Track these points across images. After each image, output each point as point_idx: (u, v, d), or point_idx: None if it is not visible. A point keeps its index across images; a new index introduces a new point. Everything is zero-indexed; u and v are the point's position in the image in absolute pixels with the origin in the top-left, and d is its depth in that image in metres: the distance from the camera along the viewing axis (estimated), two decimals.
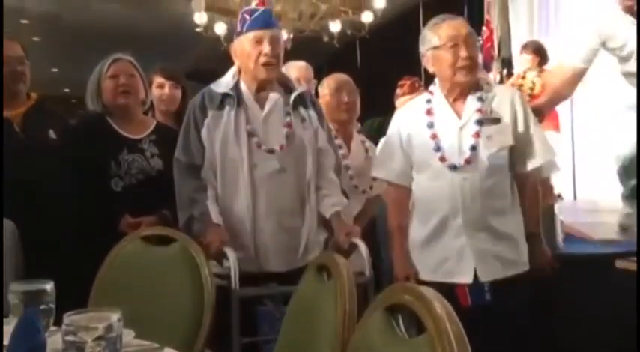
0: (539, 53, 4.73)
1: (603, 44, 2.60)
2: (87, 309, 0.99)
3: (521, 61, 4.79)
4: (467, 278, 1.92)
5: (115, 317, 0.92)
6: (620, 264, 1.96)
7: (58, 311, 1.28)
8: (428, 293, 0.78)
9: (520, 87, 4.65)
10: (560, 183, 4.73)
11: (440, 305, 0.74)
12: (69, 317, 0.91)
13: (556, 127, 4.68)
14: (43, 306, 1.18)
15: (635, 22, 2.48)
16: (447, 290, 1.90)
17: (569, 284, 2.18)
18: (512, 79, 4.86)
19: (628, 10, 2.50)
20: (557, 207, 2.43)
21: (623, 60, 2.60)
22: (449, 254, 1.95)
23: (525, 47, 4.91)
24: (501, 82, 5.36)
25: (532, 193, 2.08)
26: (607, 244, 2.45)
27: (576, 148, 5.11)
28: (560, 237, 2.39)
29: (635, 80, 2.56)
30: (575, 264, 2.25)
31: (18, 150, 2.21)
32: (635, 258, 1.88)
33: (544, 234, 2.21)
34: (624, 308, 1.94)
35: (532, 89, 4.57)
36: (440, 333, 0.70)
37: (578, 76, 2.73)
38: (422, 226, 2.02)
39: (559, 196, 4.21)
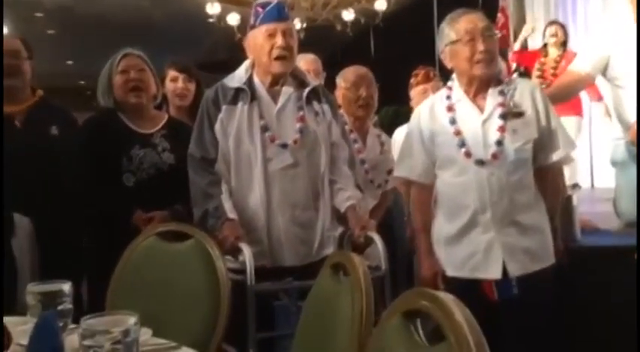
0: (565, 33, 4.69)
1: (604, 71, 2.55)
2: (104, 313, 0.99)
3: (548, 33, 4.73)
4: (495, 274, 1.91)
5: (131, 320, 0.92)
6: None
7: (75, 307, 1.29)
8: (446, 298, 0.77)
9: (543, 65, 4.61)
10: (577, 171, 4.69)
11: (459, 313, 0.73)
12: (86, 322, 0.91)
13: (578, 113, 4.63)
14: (60, 307, 1.19)
15: None
16: (473, 285, 1.91)
17: (589, 277, 2.15)
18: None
19: None
20: (575, 198, 2.39)
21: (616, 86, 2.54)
22: (477, 249, 1.93)
23: (556, 22, 4.86)
24: (517, 69, 5.31)
25: (553, 185, 2.07)
26: (626, 235, 2.41)
27: (594, 135, 5.04)
28: (578, 228, 2.36)
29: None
30: (594, 256, 2.22)
31: (18, 146, 2.21)
32: None
33: (562, 226, 2.19)
34: None
35: (555, 68, 4.53)
36: (460, 343, 0.69)
37: (583, 82, 2.71)
38: (448, 223, 2.00)
39: (576, 185, 4.17)
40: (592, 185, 5.04)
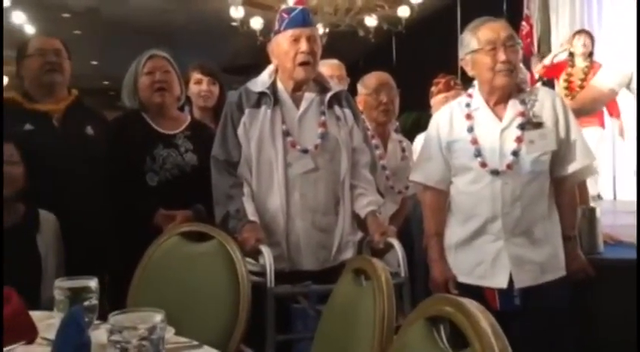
0: (593, 44, 4.63)
1: (628, 84, 2.52)
2: (131, 309, 1.01)
3: (576, 45, 4.66)
4: (501, 283, 1.91)
5: (158, 318, 0.94)
6: None
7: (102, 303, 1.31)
8: (471, 305, 0.77)
9: (570, 76, 4.56)
10: (599, 182, 4.64)
11: (484, 319, 0.73)
12: (114, 317, 0.93)
13: (601, 124, 4.58)
14: (86, 303, 1.21)
15: None
16: (477, 294, 1.89)
17: (610, 291, 2.12)
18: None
19: None
20: (598, 210, 2.37)
21: None
22: (485, 257, 1.94)
23: (585, 32, 4.79)
24: (540, 78, 5.27)
25: (570, 197, 2.05)
26: None
27: (617, 146, 4.98)
28: (601, 240, 2.33)
29: None
30: (617, 269, 2.19)
31: (56, 145, 2.26)
32: None
33: (584, 238, 2.17)
34: None
35: (583, 80, 4.48)
36: (485, 349, 0.70)
37: (606, 98, 2.70)
38: (459, 229, 2.01)
39: (598, 197, 4.12)
40: (614, 197, 4.97)
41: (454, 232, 2.03)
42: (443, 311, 0.85)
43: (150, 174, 2.28)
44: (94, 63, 10.74)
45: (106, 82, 13.41)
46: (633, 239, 2.60)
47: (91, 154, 2.30)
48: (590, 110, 2.96)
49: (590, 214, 2.30)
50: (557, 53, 5.05)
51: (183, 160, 2.32)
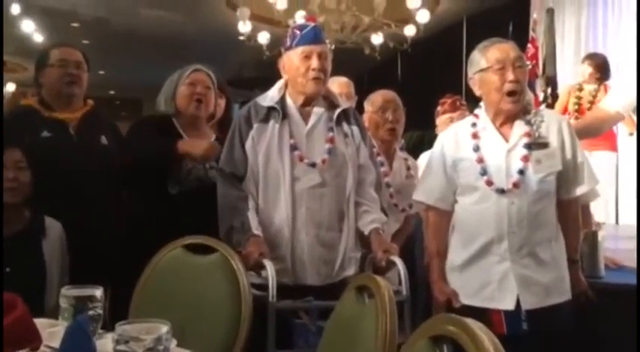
0: (600, 69, 4.62)
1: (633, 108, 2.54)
2: (138, 320, 1.01)
3: (580, 72, 4.68)
4: (509, 305, 1.89)
5: (164, 329, 0.95)
6: None
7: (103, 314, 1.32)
8: (474, 325, 0.78)
9: (579, 99, 4.57)
10: (603, 207, 4.63)
11: (488, 340, 0.74)
12: (121, 327, 0.94)
13: (613, 148, 4.58)
14: (91, 312, 1.22)
15: None
16: (482, 317, 1.89)
17: (611, 315, 2.12)
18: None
19: None
20: (600, 235, 2.37)
21: None
22: (491, 279, 1.92)
23: (589, 58, 4.79)
24: (545, 100, 5.29)
25: (574, 219, 2.05)
26: None
27: (620, 171, 4.98)
28: (602, 265, 2.34)
29: None
30: (616, 294, 2.19)
31: (71, 153, 2.29)
32: None
33: (586, 262, 2.17)
34: None
35: (592, 102, 4.47)
36: None
37: (612, 120, 2.71)
38: (464, 249, 2.00)
39: (602, 224, 4.11)
40: (617, 221, 4.96)
41: (459, 253, 2.02)
42: (446, 331, 0.85)
43: (172, 181, 2.29)
44: (101, 72, 10.80)
45: (112, 92, 13.48)
46: (634, 263, 2.61)
47: (104, 164, 2.32)
48: (595, 132, 2.97)
49: (592, 238, 2.31)
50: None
51: (207, 175, 2.34)
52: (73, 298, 1.25)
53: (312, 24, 2.17)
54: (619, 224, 4.86)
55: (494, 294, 1.91)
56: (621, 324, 2.07)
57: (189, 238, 1.91)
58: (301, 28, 2.16)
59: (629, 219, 4.46)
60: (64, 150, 2.28)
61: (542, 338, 1.87)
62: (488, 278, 1.93)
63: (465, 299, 1.97)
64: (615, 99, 2.63)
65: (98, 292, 1.27)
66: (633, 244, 2.74)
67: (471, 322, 0.80)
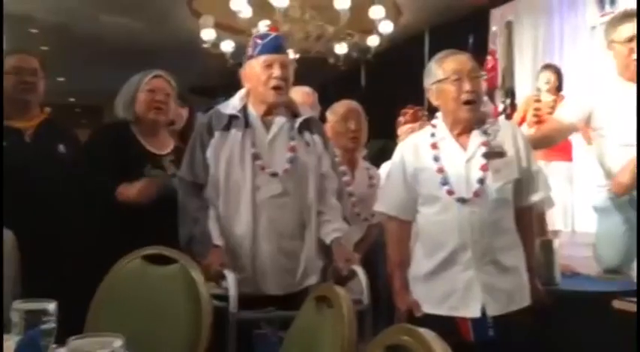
0: (559, 78, 4.73)
1: (587, 120, 2.61)
2: (91, 334, 0.99)
3: (541, 79, 4.76)
4: (474, 312, 1.91)
5: (117, 343, 0.93)
6: (617, 304, 1.95)
7: (57, 326, 1.28)
8: (428, 335, 0.79)
9: (538, 110, 4.67)
10: (561, 215, 4.74)
11: (439, 348, 0.75)
12: (73, 342, 0.92)
13: (568, 158, 4.69)
14: (44, 326, 1.18)
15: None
16: (449, 325, 1.91)
17: (567, 322, 2.17)
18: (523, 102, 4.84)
19: (629, 79, 2.46)
20: (556, 242, 2.43)
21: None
22: (456, 287, 1.94)
23: (547, 67, 4.90)
24: (504, 111, 5.41)
25: (529, 227, 2.10)
26: (606, 281, 2.44)
27: (576, 180, 5.11)
28: (558, 272, 2.39)
29: None
30: (572, 301, 2.25)
31: (26, 161, 2.24)
32: (633, 298, 1.89)
33: (542, 270, 2.22)
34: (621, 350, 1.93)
35: (550, 113, 4.58)
36: None
37: (566, 131, 2.78)
38: (427, 259, 2.01)
39: (559, 231, 4.21)
40: (573, 229, 5.09)
41: (423, 263, 2.03)
42: (401, 340, 0.86)
43: None
44: (61, 79, 10.58)
45: (72, 99, 13.21)
46: (590, 270, 2.68)
47: (61, 172, 2.28)
48: (550, 142, 3.03)
49: (548, 246, 2.36)
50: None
51: (169, 184, 2.29)
52: (25, 312, 1.21)
53: (274, 33, 2.18)
54: (575, 231, 4.98)
55: (460, 303, 1.93)
56: (577, 330, 2.12)
57: (148, 249, 1.87)
58: (263, 37, 2.17)
59: (584, 226, 4.57)
60: (19, 158, 2.23)
61: (507, 344, 1.90)
62: (453, 287, 1.94)
63: (431, 309, 1.98)
64: (569, 110, 2.70)
65: (51, 306, 1.23)
66: (589, 251, 2.81)
67: (425, 332, 0.82)
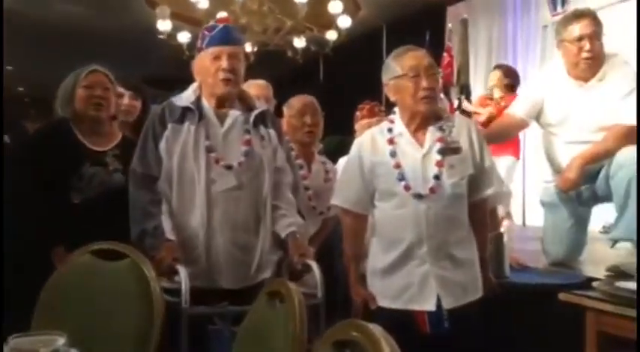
0: (509, 75, 4.87)
1: (537, 117, 2.67)
2: (33, 332, 0.96)
3: (491, 77, 4.93)
4: (430, 306, 1.94)
5: (60, 341, 0.90)
6: (563, 296, 2.02)
7: (4, 319, 1.24)
8: (376, 330, 0.80)
9: (490, 99, 4.80)
10: (510, 209, 4.85)
11: (386, 344, 0.76)
12: (14, 340, 0.89)
13: (516, 154, 4.81)
14: None
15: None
16: (406, 318, 1.94)
17: (516, 314, 2.23)
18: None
19: (577, 77, 2.54)
20: (506, 235, 2.49)
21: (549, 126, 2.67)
22: (412, 281, 1.97)
23: (498, 67, 5.06)
24: (459, 107, 5.49)
25: (482, 220, 2.14)
26: (553, 274, 2.52)
27: (527, 174, 5.24)
28: (507, 265, 2.45)
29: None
30: (521, 293, 2.31)
31: None
32: (579, 291, 1.96)
33: (492, 263, 2.27)
34: (566, 341, 2.00)
35: (498, 103, 4.71)
36: None
37: (517, 126, 2.85)
38: (384, 254, 2.03)
39: (508, 215, 4.30)
40: (524, 223, 5.22)
41: (380, 258, 2.05)
42: (349, 336, 0.87)
43: (74, 191, 2.21)
44: (9, 68, 10.23)
45: (21, 88, 12.79)
46: (538, 264, 2.76)
47: (7, 163, 2.20)
48: (502, 137, 3.12)
49: (498, 240, 2.41)
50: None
51: (111, 180, 2.27)
52: None
53: (221, 25, 2.15)
54: (525, 226, 5.12)
55: (416, 296, 1.96)
56: (524, 320, 2.18)
57: (97, 244, 1.84)
58: (211, 29, 2.14)
59: (534, 221, 4.70)
60: None
61: (463, 335, 1.94)
62: (409, 281, 1.97)
63: (389, 303, 2.01)
64: (519, 105, 2.77)
65: None
66: (538, 245, 2.89)
67: (374, 328, 0.82)
